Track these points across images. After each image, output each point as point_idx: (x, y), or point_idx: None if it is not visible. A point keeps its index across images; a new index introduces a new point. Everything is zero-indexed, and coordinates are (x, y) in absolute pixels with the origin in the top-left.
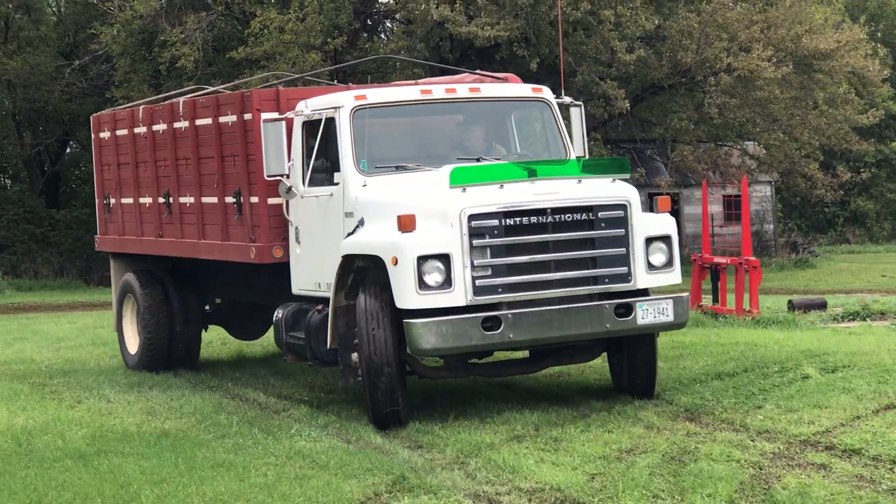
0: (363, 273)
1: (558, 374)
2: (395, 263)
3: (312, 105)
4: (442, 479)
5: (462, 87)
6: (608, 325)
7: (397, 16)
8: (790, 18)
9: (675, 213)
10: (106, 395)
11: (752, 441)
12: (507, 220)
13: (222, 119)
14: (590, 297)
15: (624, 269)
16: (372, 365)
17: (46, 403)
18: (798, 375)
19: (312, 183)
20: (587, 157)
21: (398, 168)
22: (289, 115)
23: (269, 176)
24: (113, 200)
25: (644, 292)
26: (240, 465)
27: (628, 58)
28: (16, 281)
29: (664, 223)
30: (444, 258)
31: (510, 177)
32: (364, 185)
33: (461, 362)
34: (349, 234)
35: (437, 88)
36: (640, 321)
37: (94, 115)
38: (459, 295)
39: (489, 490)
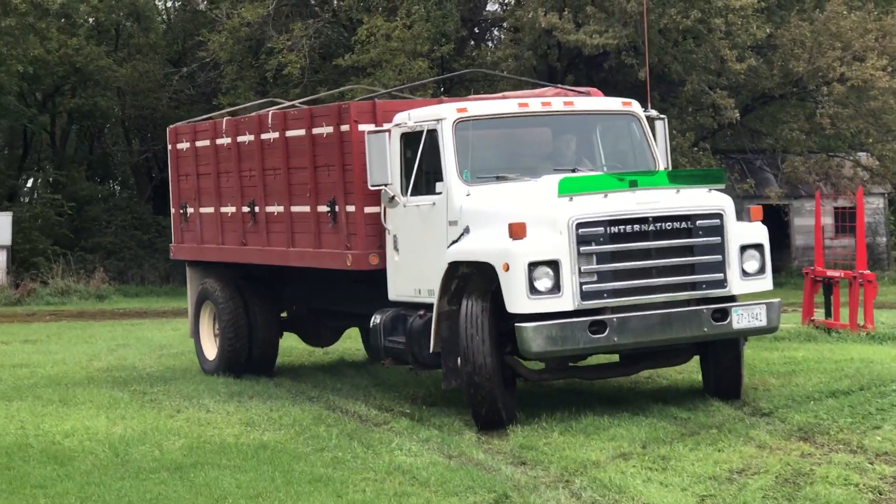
0: (466, 280)
1: (665, 389)
2: (507, 269)
3: (415, 117)
4: (546, 499)
5: (557, 100)
6: (706, 329)
7: (504, 24)
8: None
9: (785, 224)
10: (205, 404)
11: (871, 464)
12: (612, 228)
13: (316, 130)
14: (687, 302)
15: (720, 276)
16: (473, 368)
17: (146, 412)
18: None
19: (414, 192)
20: (670, 168)
21: (498, 178)
22: (390, 126)
23: (372, 185)
24: (191, 210)
25: (732, 298)
26: (338, 480)
27: (738, 67)
28: (122, 287)
29: (757, 232)
30: (554, 264)
31: (613, 187)
32: (468, 195)
33: (562, 365)
34: (454, 242)
35: (534, 102)
36: (735, 325)
37: (172, 126)
38: (567, 300)
39: None
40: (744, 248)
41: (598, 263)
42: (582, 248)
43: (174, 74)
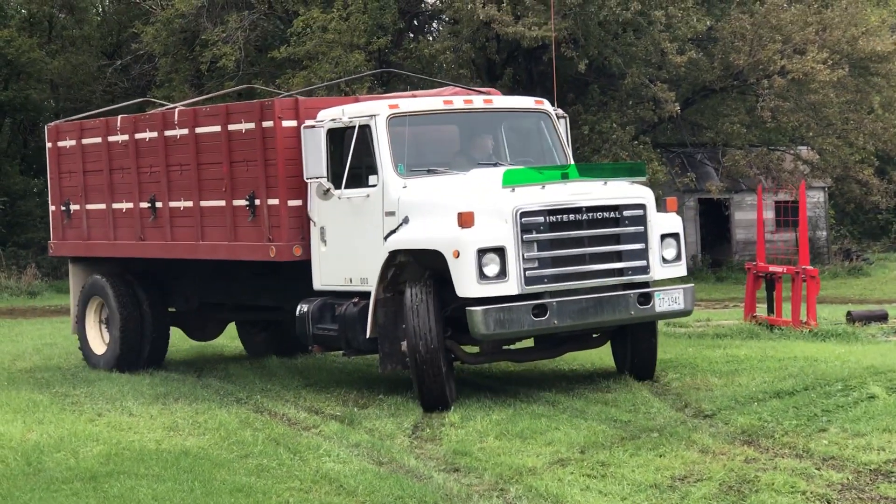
0: (402, 268)
1: (605, 389)
2: (457, 256)
3: (349, 112)
4: None
5: (478, 98)
6: (632, 313)
7: (444, 15)
8: (846, 20)
9: (726, 219)
10: (129, 407)
11: (818, 469)
12: (551, 218)
13: (233, 127)
14: (614, 287)
15: (643, 263)
16: (422, 351)
17: (65, 416)
18: (864, 395)
19: (347, 185)
20: (573, 164)
21: (429, 172)
22: (324, 122)
23: (308, 178)
24: (76, 207)
25: (645, 284)
26: (260, 489)
27: (679, 60)
28: (55, 283)
29: (674, 222)
30: (500, 251)
31: (549, 179)
32: (404, 187)
33: (496, 348)
34: (392, 232)
35: (457, 99)
36: (657, 308)
37: (52, 124)
38: (513, 285)
39: None
40: (663, 237)
41: (538, 251)
42: (525, 237)
43: (108, 67)
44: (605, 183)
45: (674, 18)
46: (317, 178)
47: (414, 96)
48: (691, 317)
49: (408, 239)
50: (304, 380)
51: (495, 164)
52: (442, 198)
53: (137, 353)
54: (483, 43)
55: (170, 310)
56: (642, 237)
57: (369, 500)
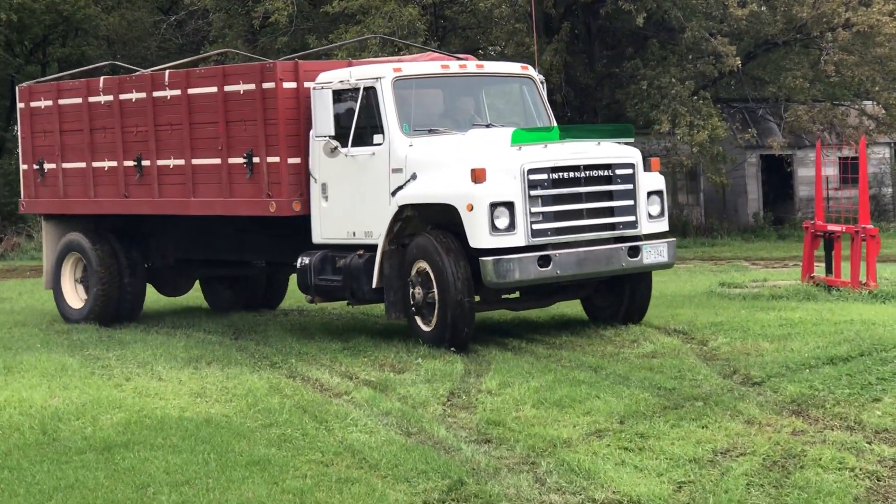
0: (407, 222)
1: (651, 354)
2: (471, 210)
3: (356, 74)
4: (505, 486)
5: (470, 63)
6: (623, 264)
7: None
8: None
9: (789, 175)
10: (159, 371)
11: (869, 443)
12: (554, 175)
13: (230, 88)
14: (606, 240)
15: (632, 218)
16: (456, 292)
17: (92, 381)
18: None
19: (353, 144)
20: (556, 125)
21: (430, 132)
22: (332, 84)
23: (317, 136)
24: (51, 165)
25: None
26: (278, 462)
27: (740, 12)
28: None
29: (658, 180)
30: (510, 205)
31: (550, 138)
32: (410, 146)
33: (496, 297)
34: (399, 188)
35: (452, 64)
36: (645, 261)
37: (24, 85)
38: (521, 237)
39: (557, 500)
40: (649, 194)
41: (543, 205)
42: (531, 192)
43: (163, 23)
44: (599, 143)
45: None
46: (325, 136)
47: (401, 60)
48: (746, 277)
49: (419, 194)
50: (343, 342)
51: (487, 126)
52: (451, 155)
53: (115, 309)
54: None
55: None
56: (632, 194)
57: (391, 474)
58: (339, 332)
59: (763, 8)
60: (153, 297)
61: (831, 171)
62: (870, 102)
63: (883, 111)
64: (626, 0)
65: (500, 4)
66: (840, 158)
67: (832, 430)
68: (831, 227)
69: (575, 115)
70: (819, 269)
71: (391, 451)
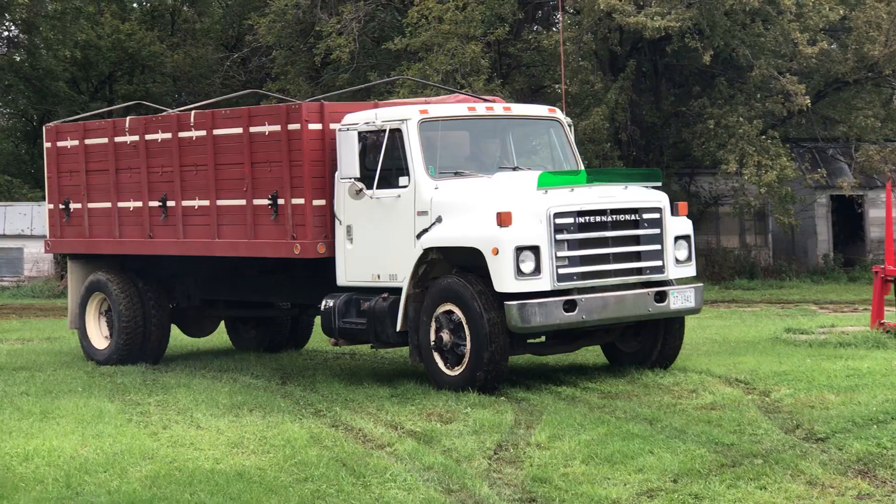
0: (432, 265)
1: (709, 405)
2: (496, 253)
3: (382, 116)
4: None
5: (497, 106)
6: (650, 310)
7: (566, 6)
8: None
9: (860, 216)
10: (197, 419)
11: None
12: (580, 219)
13: (255, 129)
14: (633, 286)
15: (659, 263)
16: (489, 331)
17: (128, 429)
18: None
19: (379, 186)
20: (583, 168)
21: (456, 174)
22: (357, 125)
23: (342, 178)
24: (76, 205)
25: (668, 283)
26: None
27: (810, 50)
28: None
29: (685, 225)
30: (535, 249)
31: (577, 182)
32: (436, 188)
33: (521, 342)
34: (424, 231)
35: (479, 106)
36: (672, 306)
37: (51, 125)
38: (546, 281)
39: None
40: (676, 239)
41: (569, 250)
42: (557, 236)
43: (226, 59)
44: (626, 187)
45: (805, 7)
46: (350, 178)
47: (427, 102)
48: (813, 322)
49: (444, 237)
50: (392, 388)
51: (514, 168)
52: (477, 198)
53: (139, 349)
54: (605, 34)
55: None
56: (659, 239)
57: None
58: (389, 378)
59: (833, 46)
60: (202, 339)
61: None
62: None
63: None
64: (693, 38)
65: (565, 42)
66: None
67: None
68: None
69: (641, 155)
70: (889, 315)
71: None
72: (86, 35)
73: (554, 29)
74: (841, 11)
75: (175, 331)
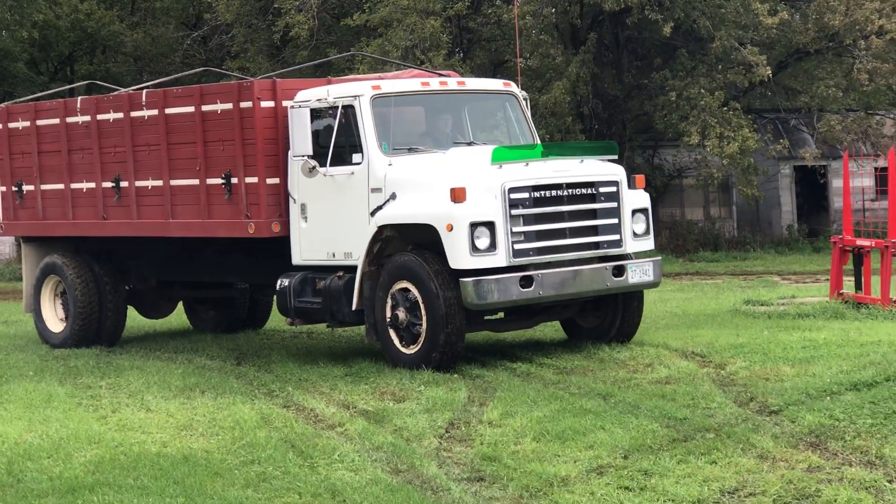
0: (387, 242)
1: (665, 379)
2: (451, 230)
3: (334, 93)
4: None
5: (452, 80)
6: (608, 284)
7: None
8: None
9: (823, 186)
10: (148, 402)
11: (890, 482)
12: (535, 193)
13: (208, 107)
14: (590, 260)
15: (617, 237)
16: (445, 308)
17: (76, 413)
18: None
19: (332, 163)
20: (539, 143)
21: (410, 150)
22: (310, 102)
23: (294, 156)
24: (29, 187)
25: (626, 256)
26: None
27: (770, 21)
28: None
29: (643, 198)
30: (490, 225)
31: (532, 156)
32: (390, 165)
33: (478, 318)
34: (378, 208)
35: (433, 81)
36: (630, 280)
37: (1, 105)
38: (502, 257)
39: None
40: (634, 212)
41: (524, 225)
42: (512, 211)
43: (187, 38)
44: (582, 161)
45: None
46: (303, 156)
47: (381, 78)
48: (773, 293)
49: (399, 214)
50: (346, 367)
51: (469, 143)
52: (431, 174)
53: (95, 332)
54: (565, 7)
55: (126, 288)
56: (616, 212)
57: None
58: (344, 357)
59: (794, 16)
60: (159, 321)
61: (868, 181)
62: None
63: None
64: (653, 9)
65: (524, 16)
66: (876, 169)
67: (851, 465)
68: (860, 242)
69: (603, 128)
70: (848, 286)
71: (374, 493)
72: (44, 15)
73: (514, 2)
74: None
75: (132, 312)
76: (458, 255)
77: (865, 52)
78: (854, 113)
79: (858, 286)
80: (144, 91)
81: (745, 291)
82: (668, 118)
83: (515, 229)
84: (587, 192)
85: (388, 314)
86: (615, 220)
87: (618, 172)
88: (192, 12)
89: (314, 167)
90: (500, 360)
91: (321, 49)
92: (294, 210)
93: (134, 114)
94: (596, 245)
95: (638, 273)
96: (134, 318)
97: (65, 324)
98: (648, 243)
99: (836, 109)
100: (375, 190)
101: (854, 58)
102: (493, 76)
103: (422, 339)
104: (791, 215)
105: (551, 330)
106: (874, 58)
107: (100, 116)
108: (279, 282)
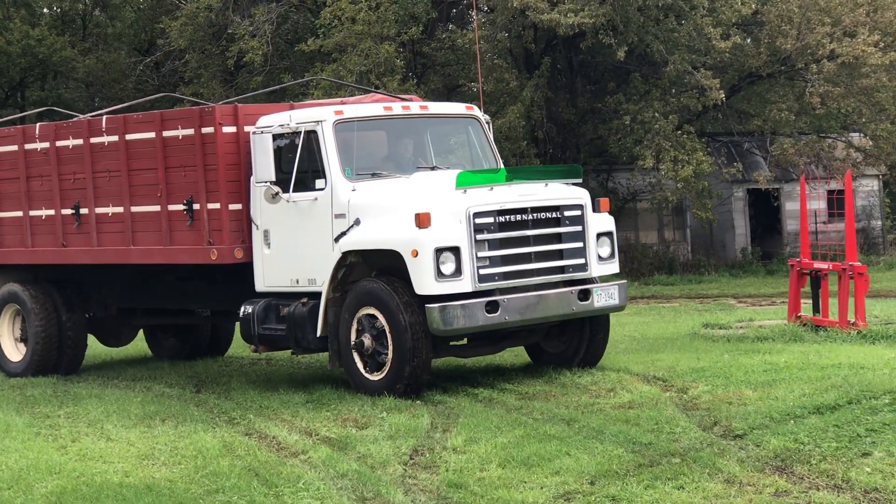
0: (351, 268)
1: (632, 405)
2: (416, 255)
3: (296, 118)
4: None
5: (414, 105)
6: (574, 308)
7: (480, 4)
8: None
9: (776, 209)
10: (108, 431)
11: None
12: (500, 218)
13: (169, 133)
14: (556, 284)
15: (582, 260)
16: (412, 337)
17: (35, 443)
18: None
19: (295, 189)
20: (502, 167)
21: (374, 175)
22: (271, 127)
23: (257, 182)
24: None
25: (591, 280)
26: None
27: (723, 45)
28: None
29: (607, 221)
30: (455, 250)
31: (496, 181)
32: (353, 190)
33: (443, 344)
34: (342, 234)
35: (396, 106)
36: (596, 304)
37: None
38: (467, 282)
39: None
40: (599, 236)
41: (489, 249)
42: (477, 236)
43: (139, 64)
44: (546, 185)
45: (717, 2)
46: (266, 181)
47: (343, 103)
48: (732, 317)
49: (363, 240)
50: (307, 394)
51: (432, 168)
52: (395, 200)
53: (55, 361)
54: (519, 32)
55: (86, 316)
56: (581, 236)
57: None
58: (305, 383)
59: (747, 40)
60: (117, 348)
61: (820, 204)
62: (857, 134)
63: (870, 143)
64: (607, 34)
65: (480, 40)
66: (829, 192)
67: (818, 489)
68: (817, 265)
69: (557, 152)
70: (806, 308)
71: None
72: None
73: (468, 27)
74: (753, 6)
75: (91, 339)
76: (424, 281)
77: (817, 75)
78: (806, 136)
79: (816, 309)
80: (105, 117)
81: (703, 314)
82: (623, 142)
83: (481, 254)
84: (552, 215)
85: (354, 338)
86: (580, 244)
87: (582, 196)
88: (145, 38)
89: (277, 193)
90: (461, 386)
91: (275, 74)
92: (257, 236)
93: (94, 140)
94: (561, 269)
95: (603, 297)
96: (91, 346)
97: (24, 353)
98: (614, 266)
99: (789, 133)
100: (339, 216)
101: (806, 81)
102: (448, 100)
103: (387, 369)
104: (745, 238)
105: (511, 356)
106: (826, 81)
107: (59, 143)
108: (242, 308)
